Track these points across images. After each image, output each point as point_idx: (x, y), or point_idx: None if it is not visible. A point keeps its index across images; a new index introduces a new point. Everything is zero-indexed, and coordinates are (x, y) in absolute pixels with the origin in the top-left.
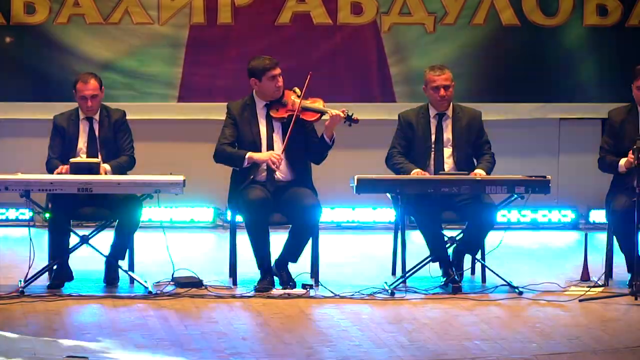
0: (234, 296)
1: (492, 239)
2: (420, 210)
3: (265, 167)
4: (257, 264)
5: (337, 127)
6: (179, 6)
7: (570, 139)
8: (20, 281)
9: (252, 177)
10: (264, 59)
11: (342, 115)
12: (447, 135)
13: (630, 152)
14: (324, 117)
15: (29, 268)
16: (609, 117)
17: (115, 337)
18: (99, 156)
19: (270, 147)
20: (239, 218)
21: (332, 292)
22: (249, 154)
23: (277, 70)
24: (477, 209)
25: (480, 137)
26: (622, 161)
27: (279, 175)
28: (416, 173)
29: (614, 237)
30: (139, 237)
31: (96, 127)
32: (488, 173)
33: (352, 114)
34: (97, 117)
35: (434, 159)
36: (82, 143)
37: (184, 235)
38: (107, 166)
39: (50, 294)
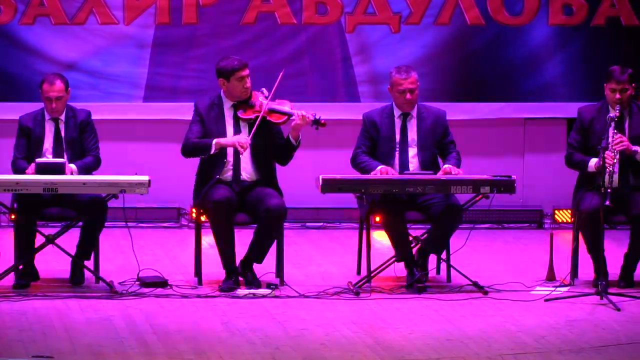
0: (199, 296)
1: (457, 238)
2: (385, 210)
3: (231, 167)
4: (222, 264)
5: (303, 129)
6: (143, 6)
7: (535, 139)
8: None
9: (217, 176)
10: (232, 59)
11: (309, 118)
12: (412, 135)
13: (600, 156)
14: (292, 118)
15: None
16: (578, 114)
17: (81, 337)
18: (65, 156)
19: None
20: (204, 218)
21: (297, 292)
22: (216, 140)
23: (246, 72)
24: (442, 208)
25: (445, 137)
26: (593, 162)
27: (244, 175)
28: (380, 169)
29: (582, 237)
30: (104, 237)
31: (62, 127)
32: (458, 167)
33: (320, 117)
34: (62, 117)
35: (399, 159)
36: (48, 143)
37: (149, 235)
38: (72, 166)
39: (15, 293)
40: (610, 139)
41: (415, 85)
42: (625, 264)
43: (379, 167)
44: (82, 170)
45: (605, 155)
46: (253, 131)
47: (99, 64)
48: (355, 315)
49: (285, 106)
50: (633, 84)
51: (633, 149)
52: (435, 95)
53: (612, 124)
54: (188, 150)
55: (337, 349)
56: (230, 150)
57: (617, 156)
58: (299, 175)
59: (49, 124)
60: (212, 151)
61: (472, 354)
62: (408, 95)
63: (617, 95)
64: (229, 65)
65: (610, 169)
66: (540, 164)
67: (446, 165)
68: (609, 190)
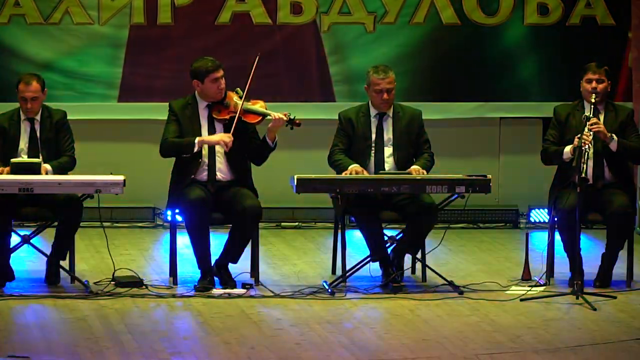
0: (174, 296)
1: (432, 238)
2: (360, 209)
3: (206, 167)
4: (197, 264)
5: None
6: (119, 6)
7: (510, 138)
8: None
9: (192, 176)
10: (206, 60)
11: (284, 118)
12: (388, 134)
13: (576, 137)
14: (267, 118)
15: None
16: (554, 111)
17: (56, 337)
18: (40, 157)
19: (211, 147)
20: (179, 218)
21: (272, 291)
22: (198, 138)
23: (220, 73)
24: (417, 208)
25: (420, 136)
26: (568, 148)
27: (219, 175)
28: (354, 168)
29: (558, 236)
30: (79, 236)
31: (37, 127)
32: (426, 170)
33: (294, 117)
34: (38, 117)
35: (374, 159)
36: (23, 143)
37: (125, 235)
38: (48, 166)
39: None
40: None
41: (392, 85)
42: (602, 264)
43: (351, 167)
44: (58, 171)
45: (582, 137)
46: (233, 128)
47: (74, 64)
48: (330, 315)
49: (260, 106)
50: (609, 80)
51: (609, 135)
52: (411, 94)
53: (587, 123)
54: (168, 149)
55: (312, 348)
56: (205, 151)
57: (591, 137)
58: (274, 175)
59: (25, 124)
60: (195, 149)
61: (448, 353)
62: (385, 95)
63: (594, 85)
64: (203, 66)
65: (586, 147)
66: (515, 163)
67: (413, 167)
68: (583, 165)
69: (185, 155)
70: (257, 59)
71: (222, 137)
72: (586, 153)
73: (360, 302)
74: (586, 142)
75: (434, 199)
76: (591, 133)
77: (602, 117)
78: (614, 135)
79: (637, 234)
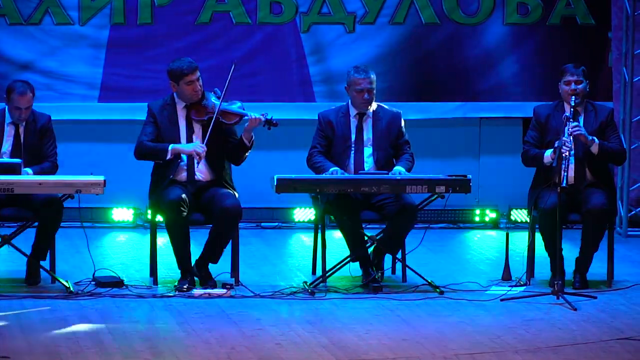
0: (154, 296)
1: (412, 238)
2: (340, 209)
3: (185, 167)
4: (178, 264)
5: (256, 129)
6: (99, 7)
7: (491, 139)
8: None
9: (171, 177)
10: (183, 62)
11: (261, 119)
12: (367, 134)
13: (555, 146)
14: (244, 118)
15: None
16: (534, 112)
17: (37, 337)
18: (22, 160)
19: None
20: (159, 218)
21: (252, 291)
22: (172, 146)
23: (195, 75)
24: (397, 208)
25: (400, 136)
26: (548, 152)
27: (199, 175)
28: (333, 172)
29: (539, 236)
30: (59, 237)
31: (22, 131)
32: (407, 171)
33: (272, 117)
34: (23, 122)
35: (354, 159)
36: (6, 147)
37: (105, 235)
38: (29, 170)
39: None
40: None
41: (373, 86)
42: (577, 268)
43: (331, 170)
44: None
45: (562, 143)
46: (208, 136)
47: (54, 64)
48: (310, 315)
49: (238, 107)
50: (587, 80)
51: (590, 138)
52: (391, 94)
53: (568, 124)
54: (142, 154)
55: (292, 348)
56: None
57: (572, 142)
58: (254, 175)
59: (10, 128)
60: (168, 157)
61: (428, 353)
62: (366, 95)
63: (572, 87)
64: (178, 69)
65: (566, 153)
66: (495, 163)
67: (395, 169)
68: (563, 172)
69: (159, 162)
70: (232, 67)
71: (195, 148)
72: (566, 160)
73: (340, 302)
74: (566, 150)
75: (414, 199)
76: (571, 138)
77: (582, 118)
78: (595, 138)
79: (618, 234)
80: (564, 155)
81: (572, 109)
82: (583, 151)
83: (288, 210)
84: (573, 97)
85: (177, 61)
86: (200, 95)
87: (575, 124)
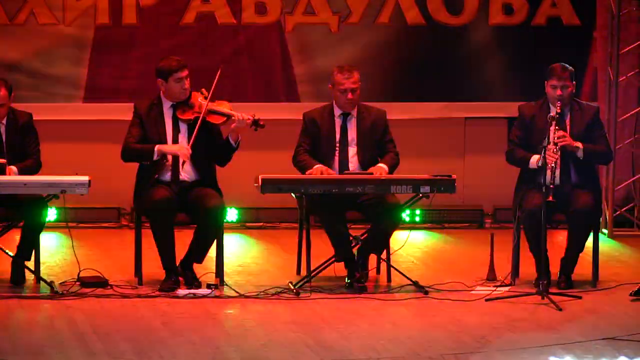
0: (139, 296)
1: (397, 238)
2: (324, 209)
3: (170, 167)
4: (162, 264)
5: (242, 130)
6: (84, 7)
7: (475, 138)
8: None
9: (156, 177)
10: (171, 60)
11: (248, 119)
12: (352, 134)
13: (540, 156)
14: (231, 119)
15: None
16: (519, 111)
17: (22, 337)
18: (5, 160)
19: None
20: (144, 218)
21: (237, 292)
22: (158, 146)
23: (184, 73)
24: (381, 208)
25: (384, 136)
26: (534, 158)
27: (183, 175)
28: (319, 169)
29: (524, 236)
30: (44, 237)
31: (3, 130)
32: (390, 168)
33: (258, 119)
34: (4, 121)
35: (339, 158)
36: None
37: (90, 235)
38: (14, 168)
39: None
40: (551, 137)
41: (357, 85)
42: (562, 269)
43: (316, 166)
44: (23, 173)
45: (547, 152)
46: (193, 138)
47: (39, 65)
48: (295, 315)
49: (225, 107)
50: (574, 82)
51: (575, 144)
52: (376, 94)
53: (553, 123)
54: (128, 155)
55: (277, 349)
56: None
57: (559, 153)
58: (238, 176)
59: None
60: (155, 157)
61: (413, 354)
62: (349, 95)
63: (558, 92)
64: (167, 66)
65: (552, 165)
66: (480, 163)
67: (377, 165)
68: (551, 187)
69: (145, 163)
70: (219, 71)
71: (181, 149)
72: (554, 171)
73: (325, 302)
74: (551, 161)
75: (399, 199)
76: (557, 150)
77: (568, 119)
78: (579, 144)
79: (603, 234)
80: (549, 166)
81: (557, 113)
82: (568, 153)
83: (273, 210)
84: (559, 101)
85: (166, 58)
86: (188, 94)
87: (561, 133)
